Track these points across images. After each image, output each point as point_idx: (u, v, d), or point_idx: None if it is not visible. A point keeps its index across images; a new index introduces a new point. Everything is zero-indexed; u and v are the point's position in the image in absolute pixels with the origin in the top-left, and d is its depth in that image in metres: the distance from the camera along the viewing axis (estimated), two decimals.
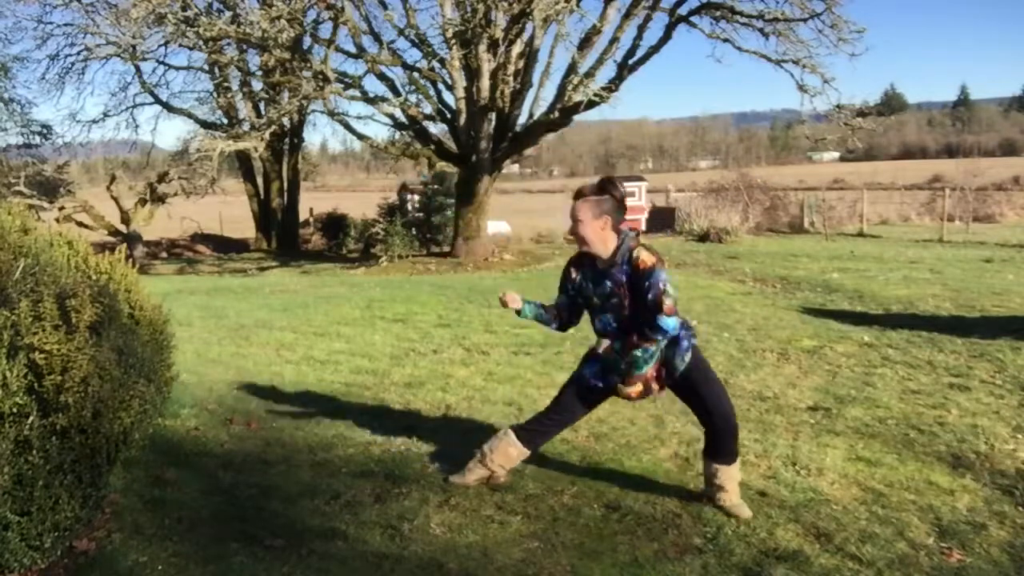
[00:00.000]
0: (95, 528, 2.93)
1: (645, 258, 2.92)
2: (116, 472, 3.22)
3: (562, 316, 3.26)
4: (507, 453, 3.34)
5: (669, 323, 2.89)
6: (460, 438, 4.00)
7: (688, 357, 3.09)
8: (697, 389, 3.12)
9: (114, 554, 2.79)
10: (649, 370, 3.08)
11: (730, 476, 3.14)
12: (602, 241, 2.98)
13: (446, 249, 16.62)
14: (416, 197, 19.18)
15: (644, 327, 2.94)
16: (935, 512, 3.12)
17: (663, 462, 3.69)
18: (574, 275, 3.15)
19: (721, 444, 3.14)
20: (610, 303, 3.03)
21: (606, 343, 3.09)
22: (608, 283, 3.01)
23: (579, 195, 3.01)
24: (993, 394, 4.76)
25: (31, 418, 2.57)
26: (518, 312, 3.22)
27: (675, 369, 3.09)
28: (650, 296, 2.89)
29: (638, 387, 3.11)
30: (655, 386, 3.13)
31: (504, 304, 3.18)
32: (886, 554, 2.78)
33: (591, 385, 3.21)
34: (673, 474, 3.55)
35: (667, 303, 2.87)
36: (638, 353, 3.02)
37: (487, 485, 3.37)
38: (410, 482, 3.44)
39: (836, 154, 76.18)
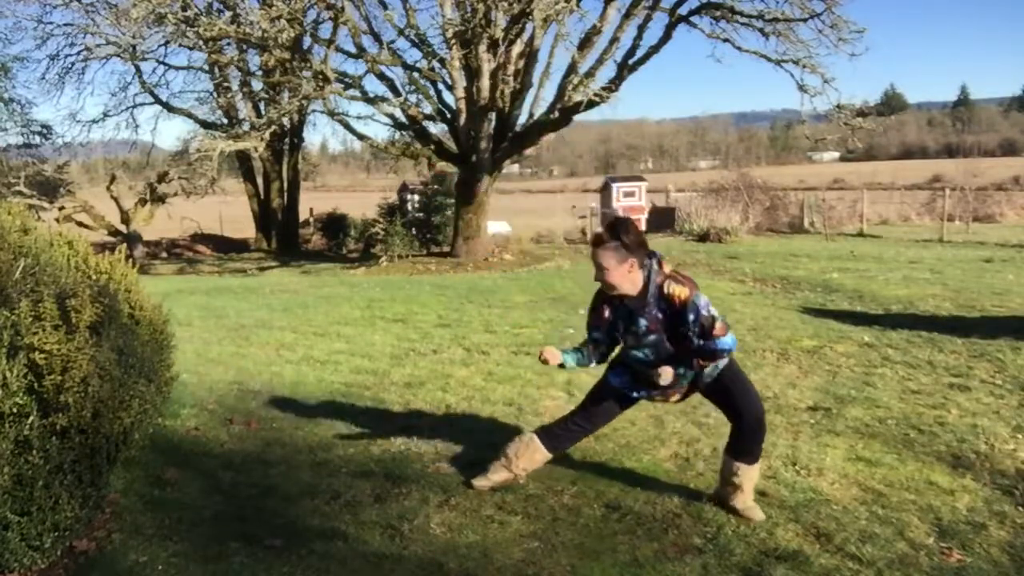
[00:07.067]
0: (95, 528, 2.93)
1: (679, 292, 2.93)
2: (116, 472, 3.23)
3: (600, 350, 3.23)
4: (532, 458, 3.36)
5: (727, 342, 2.95)
6: (460, 438, 4.00)
7: (721, 364, 3.12)
8: (729, 389, 3.14)
9: (114, 554, 2.79)
10: (678, 386, 3.14)
11: (749, 477, 3.13)
12: (631, 283, 2.99)
13: (446, 249, 16.61)
14: (416, 197, 19.16)
15: (704, 352, 2.96)
16: (935, 512, 3.11)
17: (663, 462, 3.69)
18: (606, 314, 3.12)
19: (747, 443, 3.13)
20: (647, 340, 3.03)
21: (668, 372, 3.02)
22: (643, 321, 3.01)
23: (598, 242, 2.96)
24: (993, 394, 4.76)
25: (31, 418, 2.57)
26: (561, 365, 3.18)
27: (708, 377, 3.12)
28: (699, 326, 2.93)
29: (676, 396, 3.21)
30: (690, 392, 3.21)
31: (545, 362, 3.12)
32: (886, 554, 2.78)
33: (629, 396, 3.25)
34: (673, 474, 3.55)
35: (717, 326, 2.92)
36: (687, 372, 3.07)
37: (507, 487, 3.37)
38: (410, 482, 3.45)
39: (836, 154, 76.22)
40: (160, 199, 21.04)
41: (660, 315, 2.98)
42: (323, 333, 7.09)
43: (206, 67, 21.10)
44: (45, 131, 20.84)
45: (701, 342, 2.95)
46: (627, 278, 2.97)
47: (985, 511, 3.12)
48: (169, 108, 21.13)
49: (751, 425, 3.11)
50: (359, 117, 33.67)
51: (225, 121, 21.53)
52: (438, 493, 3.33)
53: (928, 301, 8.28)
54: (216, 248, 23.29)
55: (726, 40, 13.74)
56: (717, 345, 2.94)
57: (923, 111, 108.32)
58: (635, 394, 3.23)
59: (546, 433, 3.38)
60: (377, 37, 14.31)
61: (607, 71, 14.13)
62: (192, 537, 2.94)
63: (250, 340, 6.81)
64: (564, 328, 6.80)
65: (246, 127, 19.16)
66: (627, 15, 13.76)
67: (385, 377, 5.37)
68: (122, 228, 20.73)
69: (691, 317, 2.92)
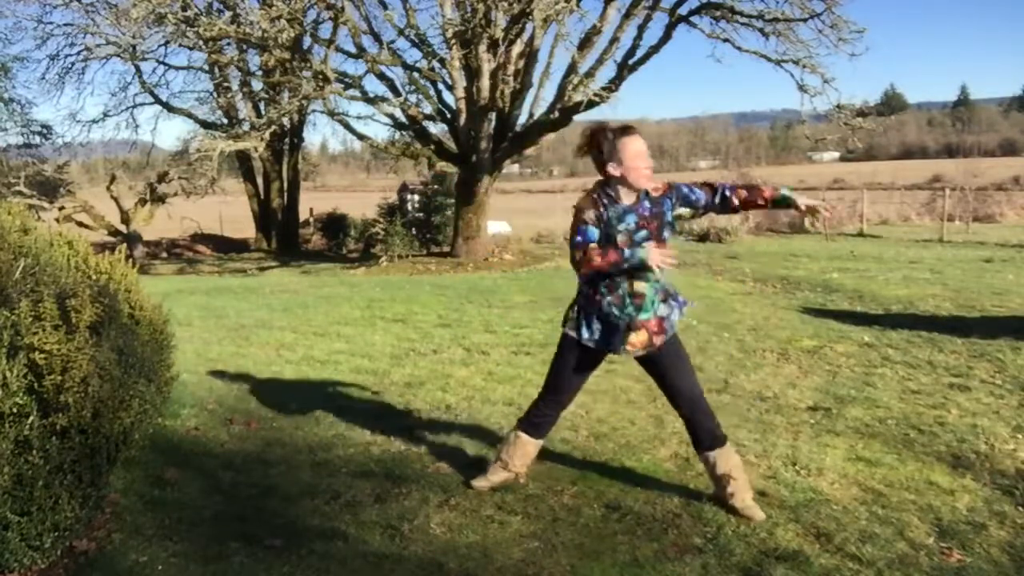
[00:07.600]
0: (95, 528, 2.93)
1: (660, 184, 3.12)
2: (116, 472, 3.22)
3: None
4: (525, 451, 3.36)
5: (723, 184, 3.21)
6: (460, 438, 4.00)
7: (684, 312, 3.20)
8: (672, 366, 3.11)
9: (114, 554, 2.79)
10: (652, 319, 3.05)
11: (729, 462, 3.11)
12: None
13: (446, 249, 16.61)
14: (416, 197, 19.18)
15: (731, 191, 3.17)
16: (935, 512, 3.11)
17: (663, 462, 3.69)
18: (601, 210, 3.02)
19: (704, 428, 3.13)
20: (638, 236, 3.00)
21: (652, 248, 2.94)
22: (632, 218, 3.01)
23: (633, 130, 3.11)
24: (993, 394, 4.76)
25: (31, 418, 2.57)
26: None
27: (671, 326, 3.10)
28: (697, 188, 3.16)
29: (643, 336, 3.05)
30: (656, 341, 3.07)
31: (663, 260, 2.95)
32: (886, 554, 2.78)
33: (596, 353, 3.15)
34: (673, 474, 3.55)
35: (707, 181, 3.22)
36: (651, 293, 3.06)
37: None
38: (410, 482, 3.45)
39: (836, 154, 76.09)
40: (160, 199, 21.06)
41: (647, 213, 3.04)
42: (323, 333, 7.09)
43: (206, 67, 21.12)
44: (45, 131, 20.88)
45: (713, 199, 3.16)
46: None
47: (985, 511, 3.12)
48: (169, 108, 21.14)
49: (691, 404, 3.10)
50: (359, 117, 33.74)
51: (225, 121, 21.54)
52: (438, 493, 3.33)
53: (928, 301, 8.28)
54: (216, 248, 23.32)
55: (726, 40, 13.75)
56: (725, 183, 3.21)
57: (923, 111, 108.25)
58: (607, 346, 3.11)
59: (528, 423, 3.37)
60: (377, 37, 14.33)
61: (607, 71, 14.17)
62: (192, 537, 2.94)
63: (250, 340, 6.81)
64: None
65: (246, 127, 19.17)
66: (627, 15, 13.77)
67: (385, 377, 5.37)
68: (122, 228, 20.75)
69: (685, 191, 3.13)
